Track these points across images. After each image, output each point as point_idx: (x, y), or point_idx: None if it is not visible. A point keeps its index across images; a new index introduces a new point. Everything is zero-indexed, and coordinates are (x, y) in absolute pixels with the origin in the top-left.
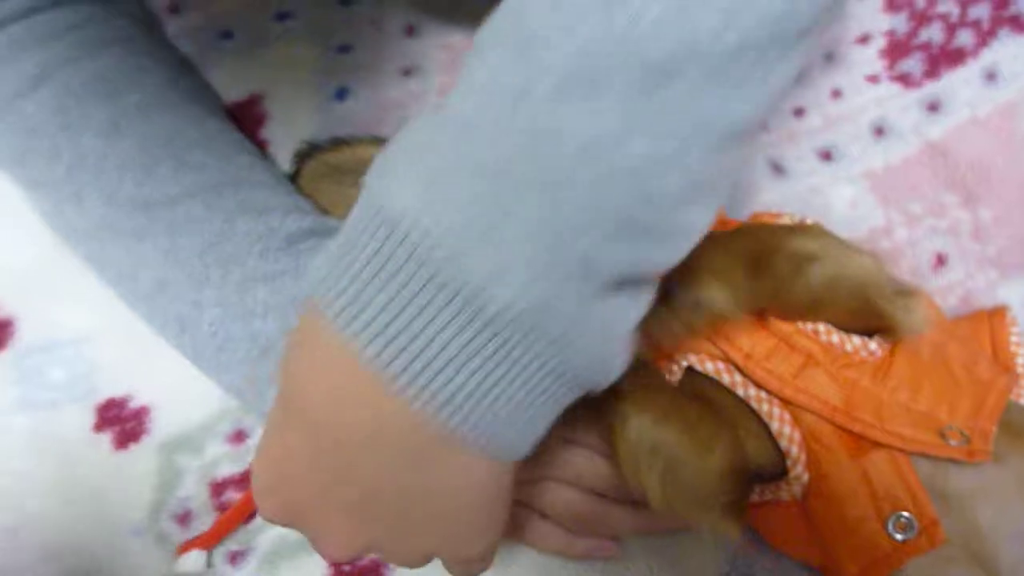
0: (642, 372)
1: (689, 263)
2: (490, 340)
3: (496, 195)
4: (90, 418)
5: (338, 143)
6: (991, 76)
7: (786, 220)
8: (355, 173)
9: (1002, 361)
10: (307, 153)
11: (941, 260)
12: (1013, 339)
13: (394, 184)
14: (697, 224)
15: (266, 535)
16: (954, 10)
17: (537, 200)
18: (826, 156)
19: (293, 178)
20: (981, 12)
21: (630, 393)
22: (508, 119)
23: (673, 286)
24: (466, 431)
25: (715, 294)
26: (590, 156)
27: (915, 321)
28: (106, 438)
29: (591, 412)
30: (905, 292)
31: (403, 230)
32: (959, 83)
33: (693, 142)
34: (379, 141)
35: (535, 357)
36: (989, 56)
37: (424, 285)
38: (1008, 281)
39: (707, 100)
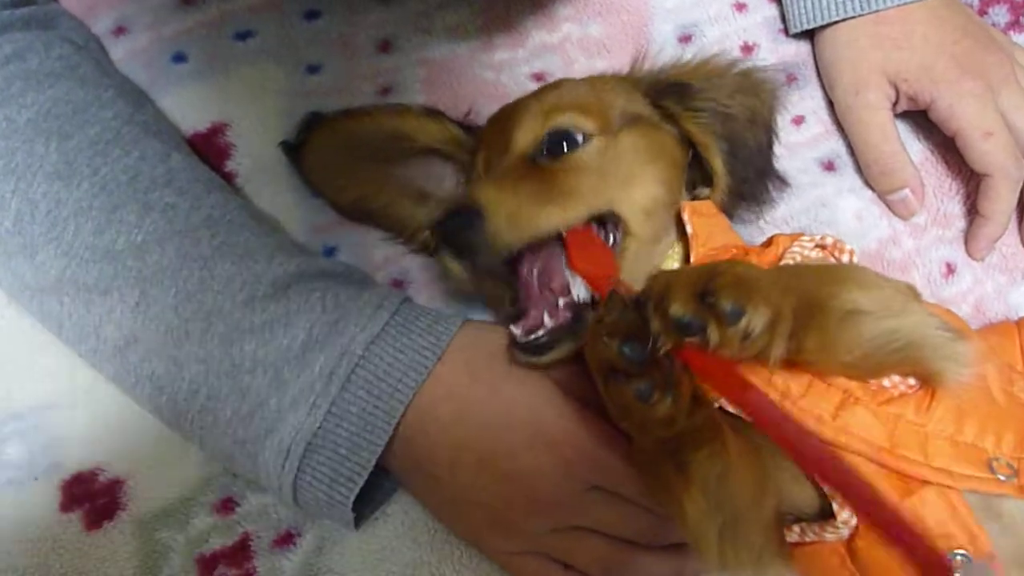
0: (698, 415)
1: (744, 282)
2: None
3: None
4: (56, 497)
5: (355, 112)
6: None
7: (806, 241)
8: (373, 146)
9: None
10: (314, 122)
11: (951, 269)
12: None
13: None
14: None
15: None
16: None
17: None
18: (829, 167)
19: (297, 152)
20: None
21: (691, 441)
22: None
23: (714, 296)
24: None
25: (758, 318)
26: None
27: (964, 373)
28: (76, 518)
29: (625, 455)
30: (955, 341)
31: None
32: None
33: None
34: (406, 108)
35: None
36: None
37: None
38: (1017, 286)
39: None
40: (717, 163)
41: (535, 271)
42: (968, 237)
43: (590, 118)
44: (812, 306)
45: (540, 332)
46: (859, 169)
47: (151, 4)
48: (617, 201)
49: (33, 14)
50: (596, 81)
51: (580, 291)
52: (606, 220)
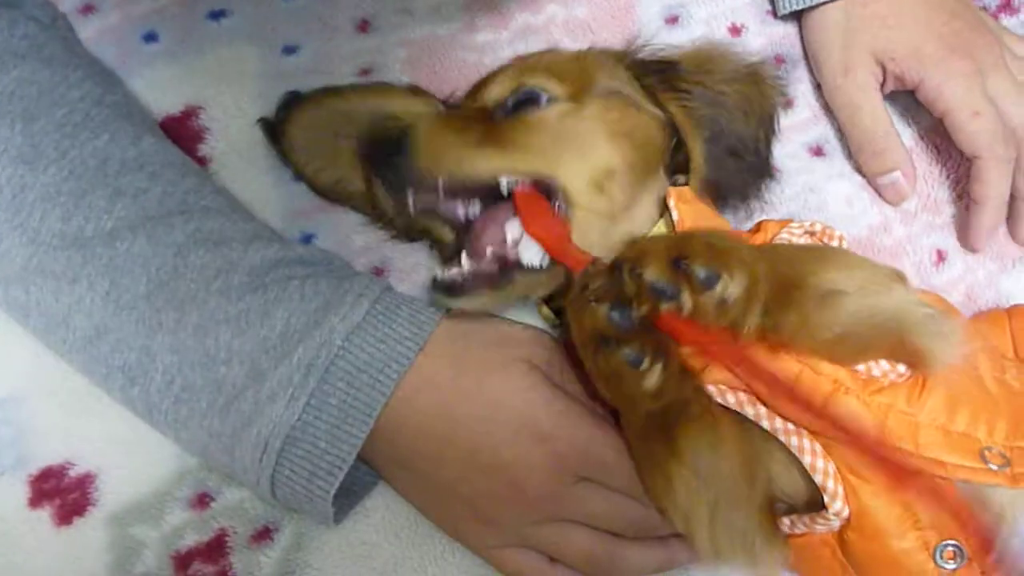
0: (687, 385)
1: (717, 250)
2: None
3: None
4: (24, 492)
5: (338, 89)
6: None
7: (795, 228)
8: (356, 126)
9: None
10: (294, 100)
11: (941, 256)
12: None
13: None
14: None
15: None
16: None
17: None
18: (818, 152)
19: (277, 133)
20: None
21: (680, 414)
22: None
23: (687, 260)
24: None
25: (734, 284)
26: None
27: (951, 352)
28: (45, 514)
29: (617, 447)
30: (938, 318)
31: None
32: None
33: None
34: (391, 87)
35: None
36: None
37: None
38: (1007, 273)
39: None
40: (696, 148)
41: (478, 223)
42: (964, 228)
43: (563, 84)
44: (789, 283)
45: (455, 271)
46: (849, 154)
47: None
48: (561, 168)
49: None
50: (582, 53)
51: (532, 256)
52: (550, 188)
